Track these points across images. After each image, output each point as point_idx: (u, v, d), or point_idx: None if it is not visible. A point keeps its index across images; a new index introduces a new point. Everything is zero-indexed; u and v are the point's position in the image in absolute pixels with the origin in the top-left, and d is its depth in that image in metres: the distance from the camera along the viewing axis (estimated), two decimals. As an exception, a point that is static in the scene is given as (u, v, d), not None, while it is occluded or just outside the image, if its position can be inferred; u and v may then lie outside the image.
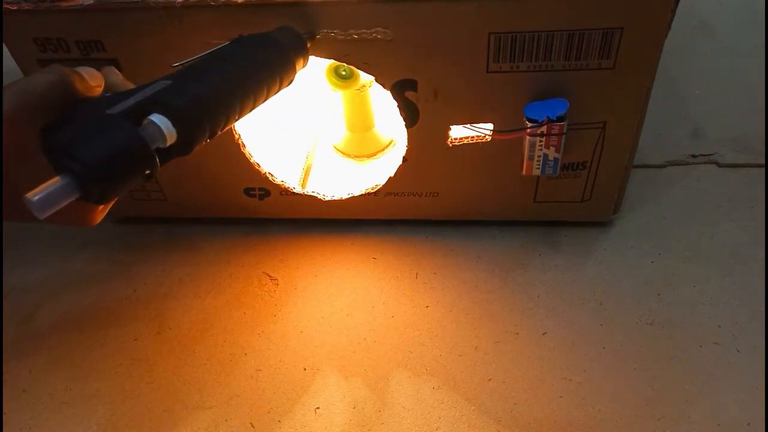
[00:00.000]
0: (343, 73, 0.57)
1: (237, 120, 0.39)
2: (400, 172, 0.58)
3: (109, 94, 0.36)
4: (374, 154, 0.66)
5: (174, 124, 0.33)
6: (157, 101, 0.34)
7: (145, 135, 0.32)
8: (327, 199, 0.61)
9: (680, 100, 0.76)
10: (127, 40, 0.49)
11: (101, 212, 0.40)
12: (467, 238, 0.62)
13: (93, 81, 0.36)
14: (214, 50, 0.40)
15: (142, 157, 0.32)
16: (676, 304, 0.55)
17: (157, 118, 0.33)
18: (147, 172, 0.33)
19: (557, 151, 0.52)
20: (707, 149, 0.69)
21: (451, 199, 0.60)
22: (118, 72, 0.39)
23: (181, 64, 0.39)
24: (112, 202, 0.38)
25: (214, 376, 0.53)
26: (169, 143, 0.33)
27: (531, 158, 0.53)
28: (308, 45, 0.46)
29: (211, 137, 0.37)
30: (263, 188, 0.61)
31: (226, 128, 0.39)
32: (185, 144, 0.35)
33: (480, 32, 0.47)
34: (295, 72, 0.44)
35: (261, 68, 0.40)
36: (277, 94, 0.43)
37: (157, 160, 0.33)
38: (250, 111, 0.40)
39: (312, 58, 0.49)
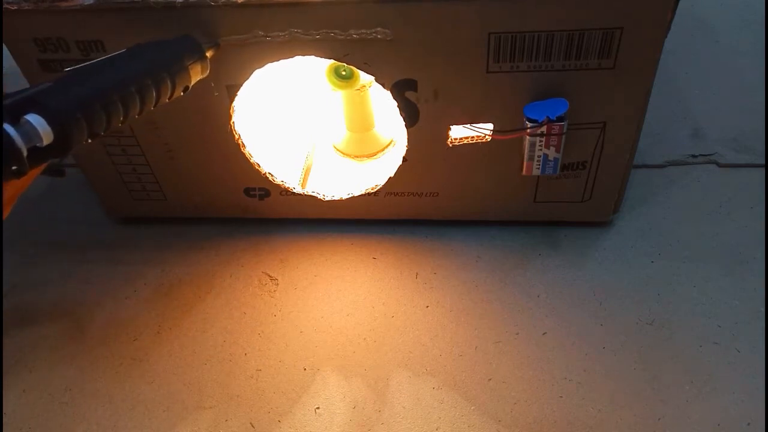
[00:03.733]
0: (343, 73, 0.57)
1: (124, 121, 0.40)
2: (400, 172, 0.58)
3: None
4: (374, 154, 0.66)
5: (49, 124, 0.34)
6: (34, 101, 0.34)
7: (20, 133, 0.33)
8: (327, 199, 0.61)
9: (680, 100, 0.76)
10: (127, 40, 0.49)
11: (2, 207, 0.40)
12: (467, 238, 0.62)
13: None
14: (106, 56, 0.41)
15: (7, 154, 0.33)
16: (676, 304, 0.55)
17: (32, 117, 0.33)
18: (14, 168, 0.33)
19: (557, 151, 0.52)
20: (707, 149, 0.69)
21: (451, 199, 0.60)
22: None
23: (72, 69, 0.39)
24: (10, 198, 0.39)
25: (214, 376, 0.53)
26: (45, 143, 0.34)
27: (531, 158, 0.53)
28: (208, 53, 0.46)
29: (91, 138, 0.38)
30: (263, 188, 0.61)
31: (111, 129, 0.39)
32: (62, 144, 0.35)
33: (480, 32, 0.47)
34: (190, 78, 0.44)
35: (149, 73, 0.41)
36: (174, 97, 0.43)
37: (25, 157, 0.33)
38: (140, 113, 0.41)
39: (312, 58, 0.49)
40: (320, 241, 0.64)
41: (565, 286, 0.58)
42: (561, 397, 0.50)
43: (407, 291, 0.58)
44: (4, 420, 0.52)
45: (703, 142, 0.70)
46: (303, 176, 0.64)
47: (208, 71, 0.46)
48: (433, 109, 0.52)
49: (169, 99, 0.43)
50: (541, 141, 0.51)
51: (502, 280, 0.59)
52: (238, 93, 0.53)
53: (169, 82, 0.42)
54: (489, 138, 0.53)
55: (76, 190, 0.70)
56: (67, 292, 0.61)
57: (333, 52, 0.49)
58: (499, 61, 0.48)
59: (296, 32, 0.48)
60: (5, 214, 0.42)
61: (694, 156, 0.69)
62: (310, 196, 0.61)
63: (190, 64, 0.44)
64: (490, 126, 0.53)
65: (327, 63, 0.57)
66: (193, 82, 0.45)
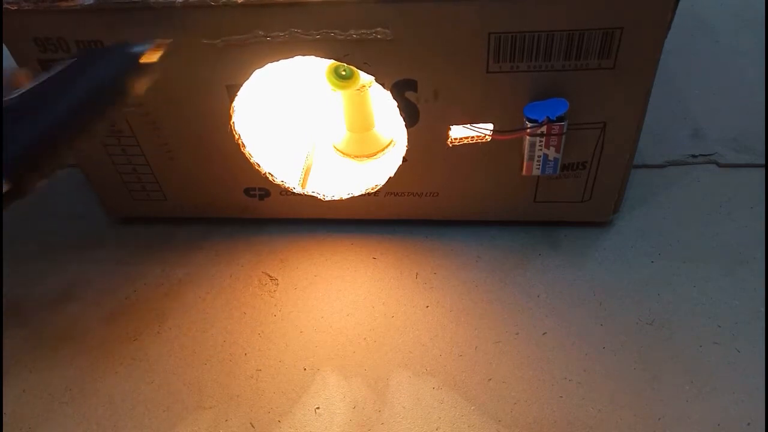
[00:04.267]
0: (343, 73, 0.57)
1: (71, 153, 0.40)
2: (400, 172, 0.58)
3: None
4: (374, 154, 0.66)
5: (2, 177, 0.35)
6: None
7: None
8: (327, 199, 0.61)
9: (680, 100, 0.76)
10: (127, 40, 0.49)
11: None
12: (467, 238, 0.62)
13: None
14: (41, 82, 0.40)
15: None
16: (676, 304, 0.55)
17: None
18: None
19: (557, 151, 0.52)
20: (707, 149, 0.69)
21: (451, 199, 0.60)
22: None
23: (11, 99, 0.39)
24: None
25: (214, 376, 0.53)
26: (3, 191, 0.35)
27: (531, 158, 0.53)
28: (153, 57, 0.43)
29: (47, 177, 0.38)
30: (263, 188, 0.61)
31: (63, 163, 0.39)
32: (17, 191, 0.36)
33: (480, 32, 0.47)
34: (135, 93, 0.42)
35: (91, 110, 0.40)
36: (118, 114, 0.44)
37: None
38: (87, 140, 0.40)
39: (312, 58, 0.49)
40: (320, 241, 0.64)
41: (565, 286, 0.58)
42: (561, 397, 0.50)
43: (407, 291, 0.58)
44: (4, 420, 0.52)
45: (703, 142, 0.70)
46: (303, 176, 0.64)
47: (157, 75, 0.43)
48: (433, 109, 0.52)
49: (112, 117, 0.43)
50: (541, 141, 0.51)
51: (502, 280, 0.59)
52: (238, 93, 0.53)
53: (114, 108, 0.41)
54: (489, 138, 0.53)
55: (76, 190, 0.70)
56: (66, 292, 0.61)
57: (333, 52, 0.49)
58: (499, 61, 0.48)
59: (296, 32, 0.48)
60: None
61: (694, 156, 0.69)
62: (310, 196, 0.61)
63: (130, 82, 0.42)
64: (490, 126, 0.53)
65: (327, 63, 0.57)
66: (143, 92, 0.43)
